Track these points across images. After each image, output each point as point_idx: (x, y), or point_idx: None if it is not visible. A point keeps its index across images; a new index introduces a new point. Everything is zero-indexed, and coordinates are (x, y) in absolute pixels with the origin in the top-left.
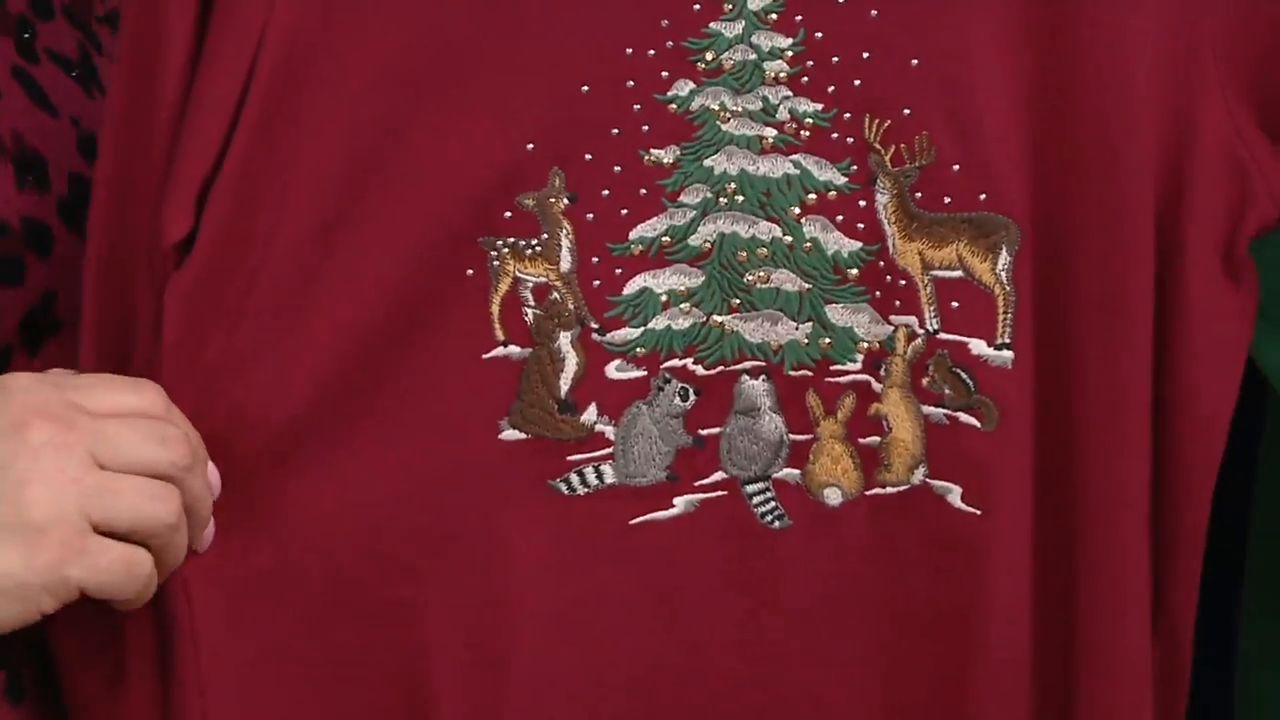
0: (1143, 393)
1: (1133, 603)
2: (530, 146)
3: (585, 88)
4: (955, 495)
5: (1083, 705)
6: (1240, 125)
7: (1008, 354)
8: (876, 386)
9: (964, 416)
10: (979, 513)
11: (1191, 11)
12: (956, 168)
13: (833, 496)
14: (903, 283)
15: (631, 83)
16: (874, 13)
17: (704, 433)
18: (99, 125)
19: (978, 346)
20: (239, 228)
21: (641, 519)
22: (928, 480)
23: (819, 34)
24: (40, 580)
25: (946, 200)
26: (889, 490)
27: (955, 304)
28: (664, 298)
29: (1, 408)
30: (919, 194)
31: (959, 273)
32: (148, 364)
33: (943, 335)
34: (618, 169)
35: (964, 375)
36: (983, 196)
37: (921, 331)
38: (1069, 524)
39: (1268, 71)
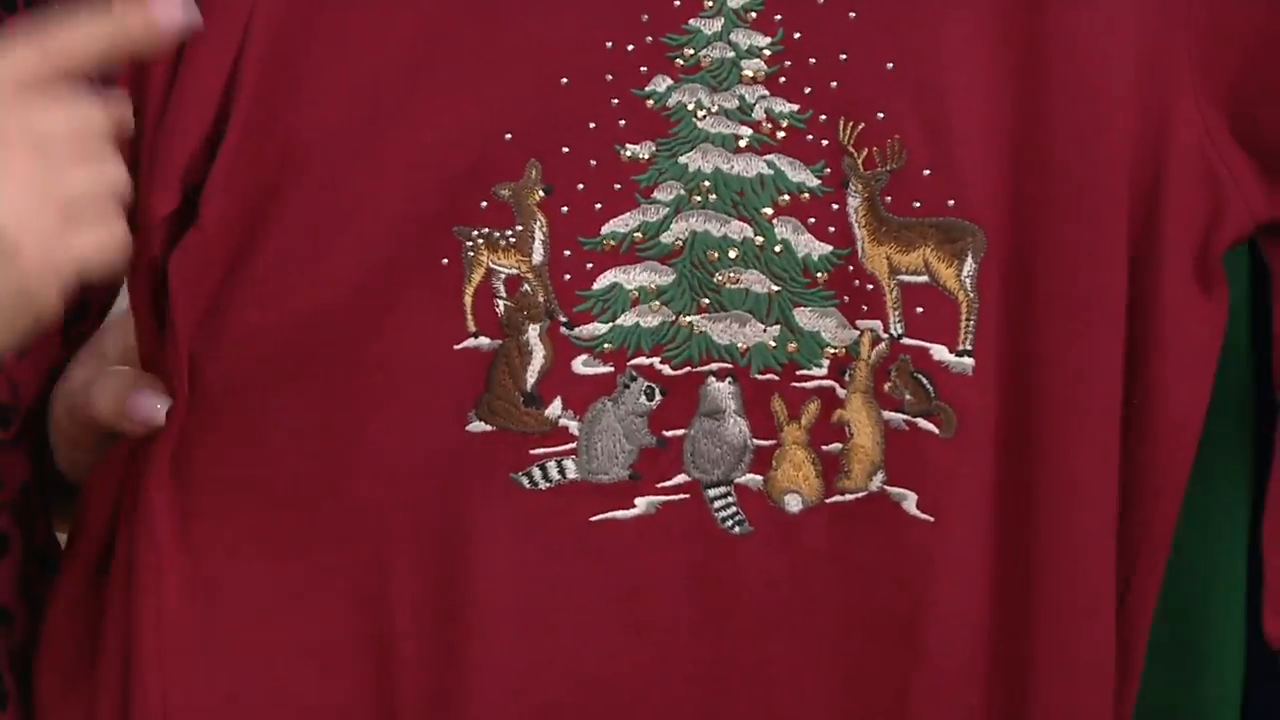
0: (1111, 401)
1: (1094, 610)
2: (508, 137)
3: (564, 80)
4: (911, 502)
5: (1040, 713)
6: (1215, 136)
7: (969, 361)
8: (841, 393)
9: (923, 422)
10: (932, 520)
11: (1167, 21)
12: (927, 172)
13: (793, 503)
14: (870, 287)
15: (610, 76)
16: (852, 15)
17: (668, 434)
18: None
19: (939, 352)
20: (232, 211)
21: (602, 516)
22: (885, 486)
23: (797, 34)
24: (34, 286)
25: (916, 205)
26: (848, 497)
27: (920, 309)
28: (634, 294)
29: None
30: (889, 198)
31: (925, 278)
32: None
33: (906, 340)
34: (593, 163)
35: (925, 381)
36: (951, 202)
37: (885, 336)
38: (1029, 532)
39: (1243, 83)
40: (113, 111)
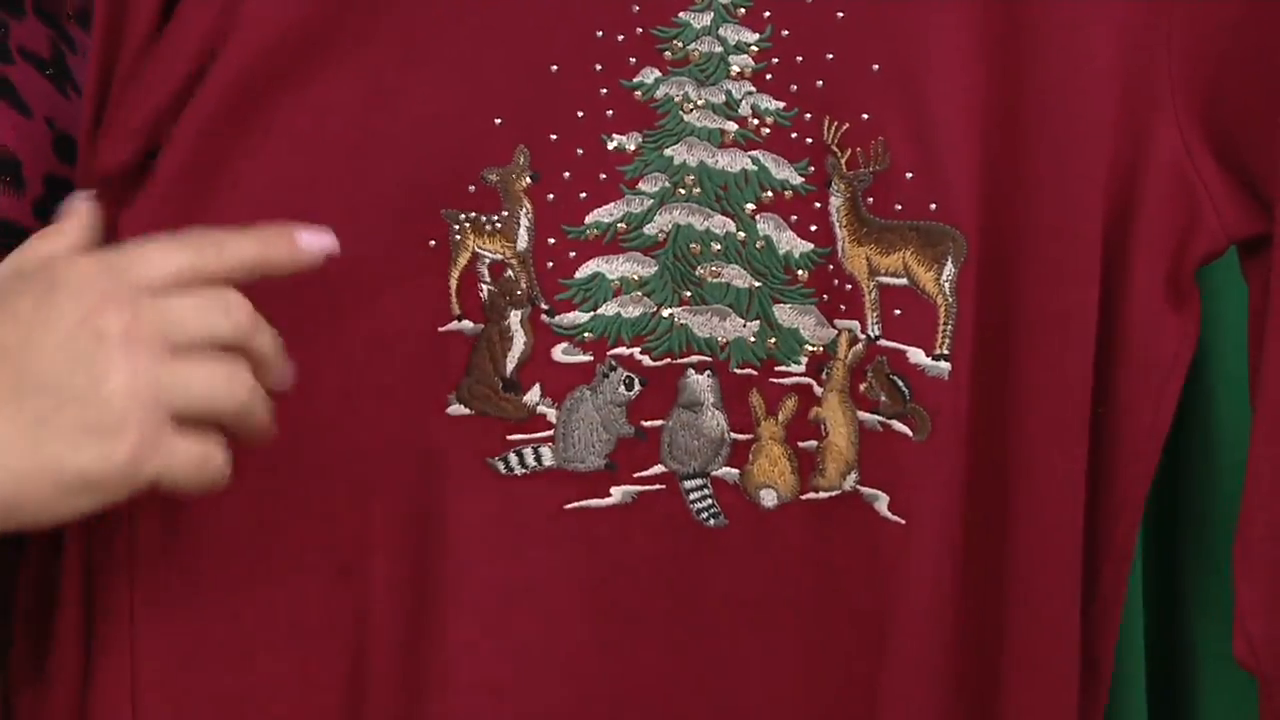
0: (1081, 409)
1: (1062, 614)
2: (498, 121)
3: (554, 67)
4: (883, 503)
5: (1008, 715)
6: (1193, 150)
7: (945, 365)
8: (819, 390)
9: (897, 425)
10: (903, 522)
11: (1148, 37)
12: (910, 175)
13: (768, 498)
14: (849, 287)
15: (599, 66)
16: (840, 15)
17: (646, 424)
18: (74, 124)
19: (916, 355)
20: (200, 176)
21: (577, 504)
22: (859, 486)
23: (785, 31)
24: (118, 477)
25: (898, 207)
26: (821, 495)
27: (898, 311)
28: (616, 284)
29: (66, 301)
30: (871, 199)
31: (904, 280)
32: None
33: (883, 342)
34: (580, 151)
35: (900, 383)
36: (933, 206)
37: (863, 336)
38: (1000, 536)
39: (1222, 100)
40: (260, 347)
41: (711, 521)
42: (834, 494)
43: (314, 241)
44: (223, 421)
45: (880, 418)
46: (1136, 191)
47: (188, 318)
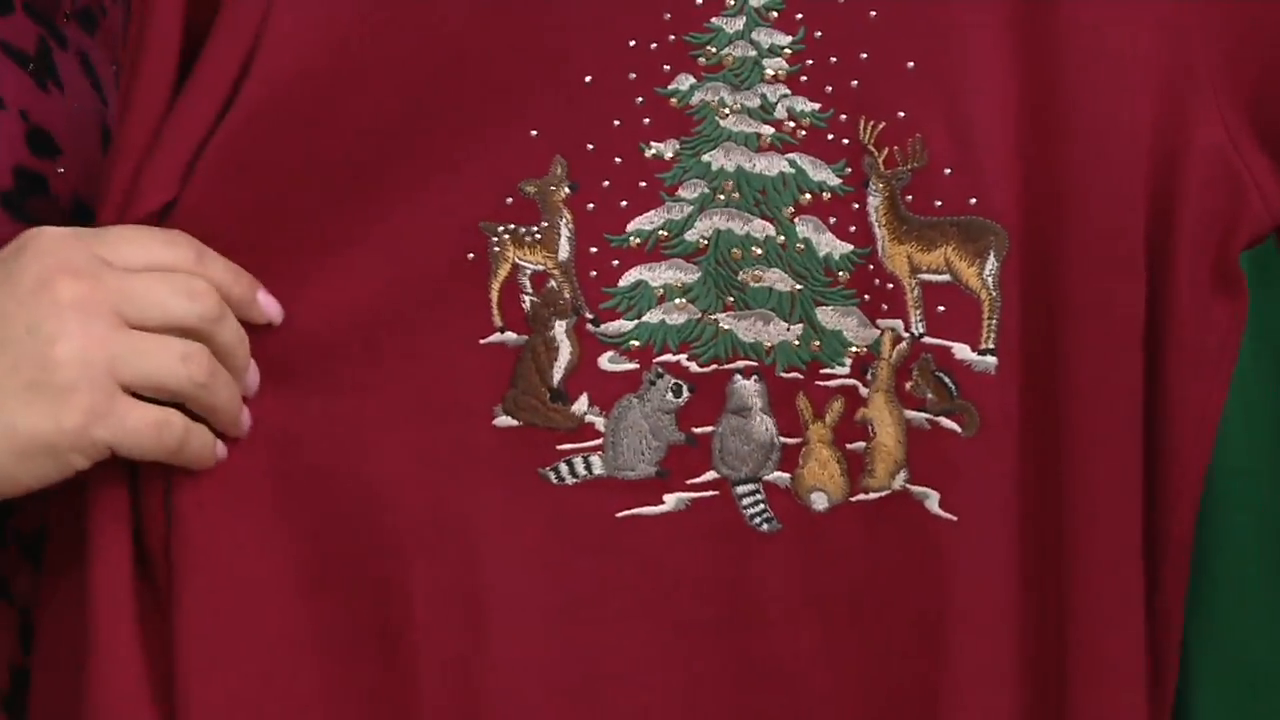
0: (1133, 399)
1: (1125, 609)
2: (534, 134)
3: (588, 78)
4: (934, 501)
5: (1073, 716)
6: (1237, 137)
7: (991, 359)
8: (864, 391)
9: (945, 421)
10: (955, 519)
11: (1188, 22)
12: (948, 171)
13: (819, 501)
14: (890, 286)
15: (633, 75)
16: (873, 14)
17: (697, 431)
18: (50, 119)
19: (961, 351)
20: (231, 201)
21: (629, 512)
22: (908, 485)
23: (818, 33)
24: (68, 441)
25: (937, 204)
26: (872, 495)
27: (941, 308)
28: (660, 291)
29: (28, 264)
30: (910, 197)
31: (946, 277)
32: None
33: (928, 339)
34: (618, 160)
35: (947, 379)
36: (973, 201)
37: (907, 335)
38: (1056, 530)
39: (1266, 84)
40: (221, 337)
41: (765, 526)
42: (884, 494)
43: (267, 306)
44: (181, 400)
45: (928, 415)
46: (1179, 179)
47: (150, 295)
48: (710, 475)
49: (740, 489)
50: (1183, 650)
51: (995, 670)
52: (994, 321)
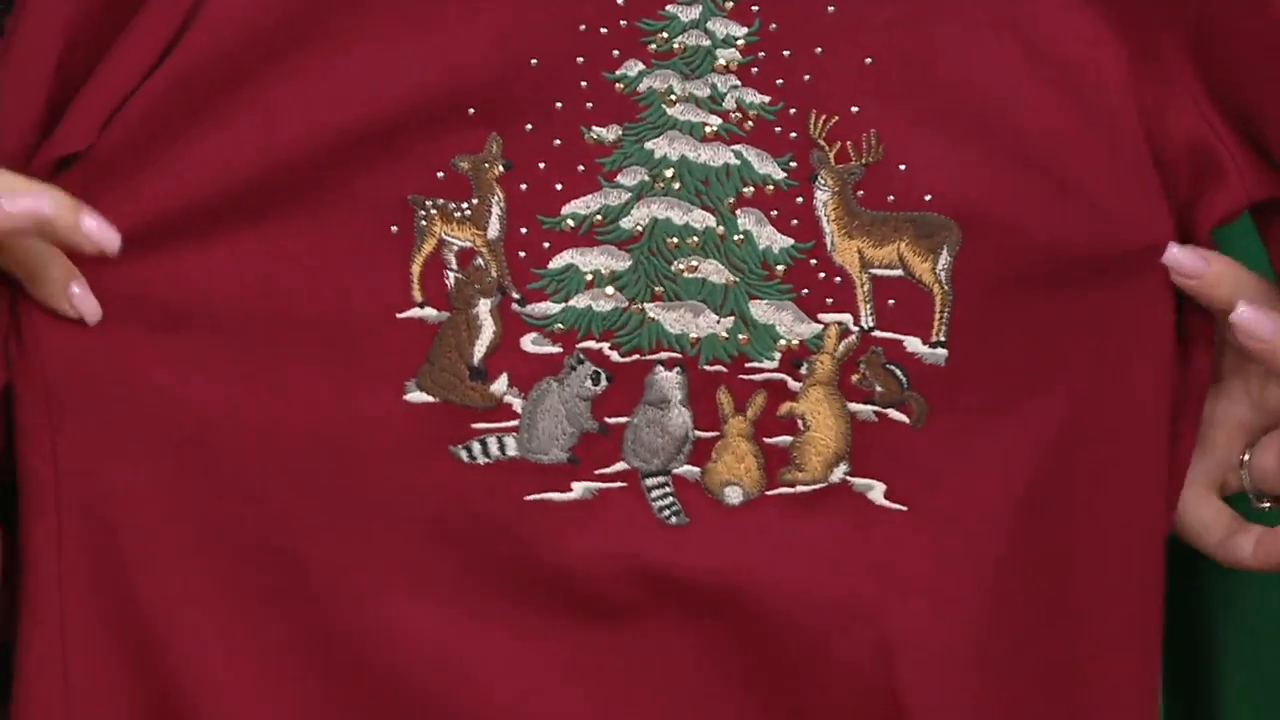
0: (1087, 387)
1: (1087, 591)
2: (471, 111)
3: (534, 61)
4: (878, 492)
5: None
6: (1210, 118)
7: (942, 351)
8: (794, 385)
9: (893, 413)
10: (905, 509)
11: (1157, 13)
12: (903, 167)
13: (733, 495)
14: (838, 280)
15: (581, 59)
16: (831, 9)
17: (610, 420)
18: None
19: (912, 344)
20: (153, 152)
21: (538, 496)
22: (848, 478)
23: (774, 25)
24: None
25: (890, 199)
26: (797, 489)
27: (891, 302)
28: (589, 277)
29: None
30: (862, 192)
31: (898, 271)
32: None
33: (877, 333)
34: (557, 142)
35: (898, 372)
36: (928, 197)
37: (855, 329)
38: (1009, 516)
39: (1231, 70)
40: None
41: (674, 520)
42: (817, 487)
43: (96, 231)
44: None
45: (875, 408)
46: (1145, 164)
47: None
48: (620, 466)
49: (649, 481)
50: (1213, 653)
51: (953, 656)
52: (945, 315)
